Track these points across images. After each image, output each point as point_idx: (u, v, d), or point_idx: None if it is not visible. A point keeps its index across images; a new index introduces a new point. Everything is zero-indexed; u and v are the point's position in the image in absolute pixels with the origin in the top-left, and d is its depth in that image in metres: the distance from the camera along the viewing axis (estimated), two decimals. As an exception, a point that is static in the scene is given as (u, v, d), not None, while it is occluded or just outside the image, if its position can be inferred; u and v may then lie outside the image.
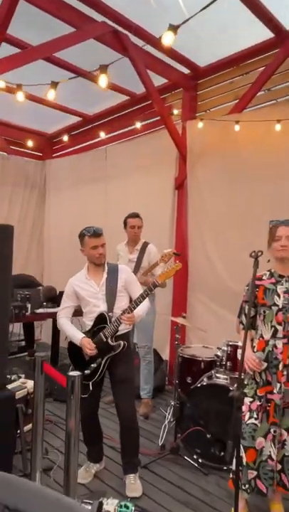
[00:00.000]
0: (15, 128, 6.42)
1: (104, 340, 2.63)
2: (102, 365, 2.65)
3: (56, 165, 6.72)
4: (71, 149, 6.65)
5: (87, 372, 2.67)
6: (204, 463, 2.98)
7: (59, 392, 4.09)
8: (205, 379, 3.17)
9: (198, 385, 3.09)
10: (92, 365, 2.66)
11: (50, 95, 3.79)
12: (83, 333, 2.72)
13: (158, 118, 5.17)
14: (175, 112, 4.66)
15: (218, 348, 3.23)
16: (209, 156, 4.47)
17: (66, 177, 6.43)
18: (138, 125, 4.96)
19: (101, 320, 2.67)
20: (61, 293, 2.95)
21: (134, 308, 2.58)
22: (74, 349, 2.74)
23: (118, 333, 2.67)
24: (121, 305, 2.71)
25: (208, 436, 2.95)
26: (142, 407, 3.94)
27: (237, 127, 4.04)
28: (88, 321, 2.76)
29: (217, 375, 3.15)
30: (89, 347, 2.62)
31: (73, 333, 2.73)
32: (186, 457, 3.01)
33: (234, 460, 2.16)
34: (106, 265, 2.77)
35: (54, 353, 5.17)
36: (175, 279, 4.80)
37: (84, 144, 6.42)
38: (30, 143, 6.19)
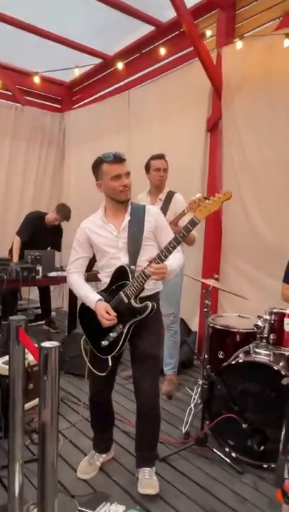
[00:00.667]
0: (30, 75, 5.78)
1: (126, 301, 2.02)
2: (124, 335, 2.04)
3: (75, 117, 6.07)
4: (92, 98, 5.95)
5: (104, 343, 2.07)
6: (238, 458, 2.38)
7: (71, 364, 3.60)
8: (241, 355, 2.52)
9: (233, 362, 2.45)
10: (111, 334, 2.06)
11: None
12: (98, 293, 2.13)
13: (186, 51, 4.42)
14: (208, 33, 3.82)
15: (258, 316, 2.55)
16: (250, 88, 3.66)
17: (86, 130, 5.78)
18: (162, 52, 4.16)
19: (121, 275, 2.06)
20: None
21: (165, 257, 1.94)
22: (87, 313, 2.14)
23: (144, 294, 2.04)
24: (147, 257, 2.04)
25: (244, 425, 2.33)
26: (165, 384, 3.37)
27: (287, 42, 3.19)
28: (105, 278, 2.16)
29: (257, 350, 2.50)
30: (106, 316, 2.01)
31: (85, 293, 2.12)
32: (215, 450, 2.41)
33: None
34: (129, 205, 2.13)
35: (70, 322, 4.68)
36: (207, 237, 4.12)
37: (106, 91, 5.69)
38: (47, 91, 5.57)
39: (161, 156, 3.29)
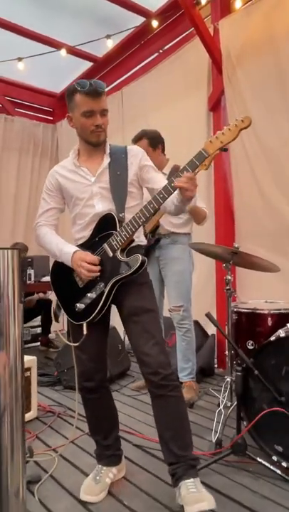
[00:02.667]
0: (21, 87, 5.60)
1: (111, 254, 1.61)
2: (106, 295, 1.59)
3: (68, 126, 5.76)
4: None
5: (80, 306, 1.61)
6: (292, 468, 1.77)
7: (71, 377, 3.01)
8: (281, 332, 1.97)
9: (273, 339, 1.90)
10: (89, 294, 1.61)
11: None
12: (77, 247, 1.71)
13: (179, 38, 4.20)
14: (203, 1, 3.55)
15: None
16: (253, 56, 3.33)
17: (79, 137, 5.49)
18: (154, 24, 3.92)
19: (106, 224, 1.65)
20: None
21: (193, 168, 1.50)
22: (60, 271, 1.70)
23: (131, 245, 1.63)
24: (132, 206, 1.68)
25: (296, 422, 1.74)
26: (184, 391, 2.75)
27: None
28: (79, 232, 1.73)
29: (300, 323, 1.96)
30: (87, 265, 1.59)
31: (58, 246, 1.70)
32: (259, 459, 1.80)
33: None
34: (108, 146, 1.74)
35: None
36: (217, 225, 3.65)
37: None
38: (38, 103, 5.36)
39: (137, 139, 2.93)
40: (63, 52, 4.45)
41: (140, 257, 1.57)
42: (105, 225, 1.65)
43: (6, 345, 0.76)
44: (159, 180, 1.69)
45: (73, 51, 4.72)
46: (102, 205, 1.68)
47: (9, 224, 5.40)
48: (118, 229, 1.61)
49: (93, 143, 1.69)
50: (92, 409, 1.75)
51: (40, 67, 5.05)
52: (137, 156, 1.75)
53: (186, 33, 4.11)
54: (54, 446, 2.09)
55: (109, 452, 1.75)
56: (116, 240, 1.60)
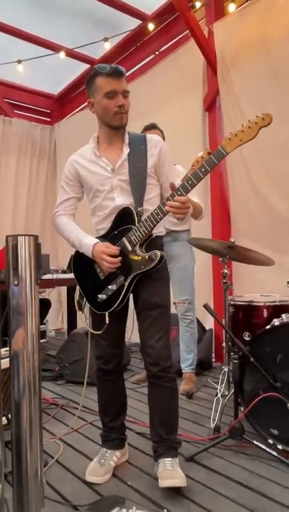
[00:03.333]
0: (19, 89, 5.67)
1: (130, 248, 1.66)
2: (126, 288, 1.66)
3: (65, 127, 5.88)
4: (82, 106, 5.78)
5: (101, 297, 1.69)
6: (286, 450, 1.86)
7: (73, 371, 3.10)
8: (276, 321, 2.07)
9: (268, 327, 1.99)
10: (110, 286, 1.69)
11: None
12: (97, 238, 1.76)
13: (175, 40, 4.30)
14: (198, 4, 3.64)
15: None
16: (247, 57, 3.43)
17: (77, 139, 5.49)
18: (150, 27, 4.02)
19: (124, 218, 1.69)
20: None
21: (191, 187, 1.53)
22: (81, 263, 1.77)
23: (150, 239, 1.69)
24: (151, 197, 1.73)
25: (291, 405, 1.83)
26: (183, 383, 2.87)
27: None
28: (100, 224, 1.78)
29: (294, 313, 2.05)
30: (108, 258, 1.63)
31: (78, 237, 1.73)
32: (255, 442, 1.89)
33: None
34: (126, 136, 1.75)
35: (70, 322, 4.16)
36: (214, 221, 3.75)
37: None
38: (36, 104, 5.43)
39: (152, 126, 2.98)
40: (62, 55, 4.53)
41: (159, 252, 1.61)
42: (124, 219, 1.68)
43: (24, 323, 0.84)
44: (174, 178, 1.72)
45: (71, 53, 4.80)
46: (122, 198, 1.70)
47: (8, 225, 5.46)
48: (137, 224, 1.64)
49: (116, 126, 1.69)
50: (105, 390, 1.83)
51: (39, 69, 5.12)
52: (157, 146, 1.74)
53: (182, 35, 4.21)
54: (59, 434, 2.17)
55: (114, 435, 1.83)
56: (135, 234, 1.64)
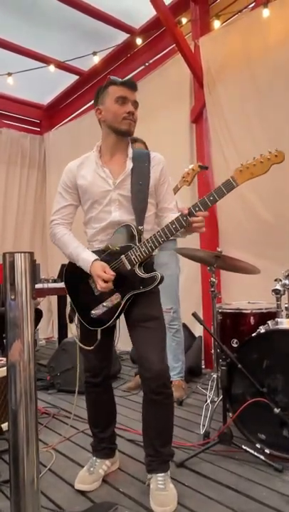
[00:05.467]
0: (8, 99, 5.71)
1: (129, 267, 1.65)
2: (122, 307, 1.66)
3: (54, 137, 5.93)
4: (71, 116, 5.85)
5: (95, 313, 1.69)
6: (273, 454, 1.92)
7: (64, 380, 3.12)
8: (262, 328, 2.14)
9: (254, 335, 2.06)
10: (105, 303, 1.68)
11: None
12: (93, 252, 1.74)
13: (162, 53, 4.41)
14: (184, 20, 3.76)
15: (276, 280, 2.18)
16: (231, 71, 3.54)
17: (66, 149, 5.60)
18: (138, 41, 4.14)
19: (125, 236, 1.68)
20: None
21: (211, 203, 1.55)
22: (75, 277, 1.75)
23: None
24: (148, 216, 1.71)
25: (277, 410, 1.89)
26: (173, 390, 2.91)
27: (266, 12, 3.10)
28: (94, 236, 1.76)
29: (279, 320, 2.12)
30: (105, 276, 1.61)
31: (77, 251, 1.71)
32: (244, 447, 1.94)
33: None
34: (130, 150, 1.75)
35: (61, 329, 4.17)
36: (202, 235, 3.81)
37: (84, 107, 5.60)
38: (26, 114, 5.48)
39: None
40: (52, 68, 4.60)
41: (159, 275, 1.63)
42: (124, 236, 1.67)
43: (21, 336, 0.88)
44: (170, 201, 1.75)
45: (60, 66, 4.88)
46: (120, 214, 1.68)
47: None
48: (138, 243, 1.63)
49: (123, 130, 1.67)
50: (94, 402, 1.84)
51: (28, 80, 5.17)
52: (159, 165, 1.75)
53: (169, 48, 4.32)
54: (51, 443, 2.20)
55: (104, 445, 1.86)
56: (135, 254, 1.62)
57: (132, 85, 1.69)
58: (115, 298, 1.66)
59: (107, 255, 1.70)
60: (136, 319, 1.69)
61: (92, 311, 1.69)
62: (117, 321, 1.73)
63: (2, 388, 2.18)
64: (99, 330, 1.69)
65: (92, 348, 1.69)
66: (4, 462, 1.95)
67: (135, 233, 1.65)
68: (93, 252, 1.73)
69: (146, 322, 1.67)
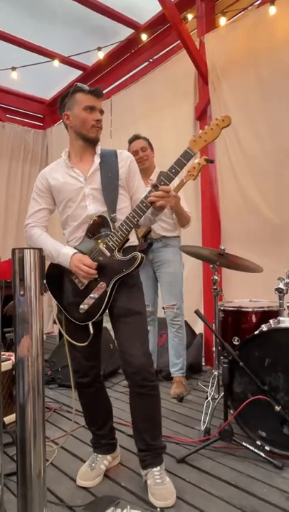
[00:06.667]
0: (11, 94, 5.70)
1: (109, 254, 1.69)
2: (109, 294, 1.68)
3: (57, 132, 5.92)
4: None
5: (83, 307, 1.70)
6: (273, 451, 1.93)
7: (65, 376, 3.13)
8: (264, 326, 2.15)
9: (256, 333, 2.07)
10: (92, 295, 1.70)
11: None
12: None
13: (167, 49, 4.39)
14: (189, 16, 3.74)
15: (279, 279, 2.19)
16: (236, 69, 3.53)
17: (68, 144, 5.61)
18: (143, 37, 4.11)
19: (100, 226, 1.73)
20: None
21: (174, 174, 1.61)
22: (57, 276, 1.78)
23: (126, 245, 1.73)
24: (122, 208, 1.77)
25: (278, 408, 1.91)
26: (173, 386, 2.94)
27: (272, 10, 3.09)
28: (72, 234, 1.80)
29: (281, 319, 2.13)
30: (85, 268, 1.66)
31: (55, 247, 1.75)
32: (244, 444, 1.96)
33: None
34: (98, 148, 1.82)
35: None
36: (204, 228, 3.83)
37: (87, 103, 5.60)
38: (29, 109, 5.48)
39: (135, 137, 3.08)
40: (56, 62, 4.59)
41: (139, 254, 1.66)
42: (99, 226, 1.72)
43: (29, 331, 0.89)
44: (143, 191, 1.77)
45: (65, 61, 4.86)
46: (95, 206, 1.74)
47: (1, 229, 5.48)
48: (113, 230, 1.69)
49: (92, 138, 1.75)
50: (87, 402, 1.86)
51: (31, 74, 5.16)
52: (127, 160, 1.82)
53: (174, 45, 4.30)
54: (53, 438, 2.21)
55: (104, 441, 1.87)
56: (112, 240, 1.68)
57: (99, 94, 1.75)
58: (101, 287, 1.69)
59: (84, 248, 1.73)
60: (118, 314, 1.72)
61: (81, 305, 1.70)
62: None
63: (5, 382, 2.19)
64: (90, 324, 1.70)
65: (86, 343, 1.69)
66: (6, 456, 1.97)
67: (108, 220, 1.70)
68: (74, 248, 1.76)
69: (127, 317, 1.70)
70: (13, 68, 4.57)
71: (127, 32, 4.58)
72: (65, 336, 1.74)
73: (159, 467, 1.68)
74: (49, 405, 2.71)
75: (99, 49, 4.30)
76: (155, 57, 4.60)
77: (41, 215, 1.83)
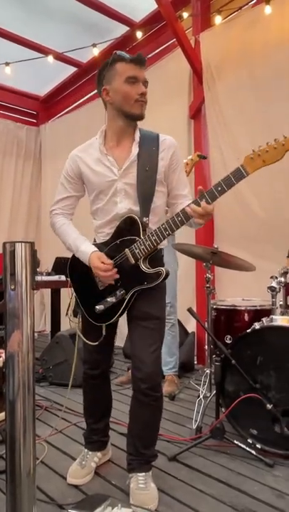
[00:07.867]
0: (4, 89, 5.65)
1: (133, 262, 1.57)
2: (126, 302, 1.60)
3: (51, 129, 5.89)
4: (68, 109, 5.81)
5: (99, 309, 1.61)
6: (265, 449, 1.94)
7: (56, 374, 3.11)
8: (257, 324, 2.15)
9: (249, 331, 2.07)
10: (109, 299, 1.62)
11: None
12: (95, 245, 1.68)
13: (162, 47, 4.39)
14: (185, 15, 3.73)
15: (271, 277, 2.19)
16: (231, 68, 3.53)
17: (62, 141, 5.56)
18: (138, 35, 4.12)
19: (128, 229, 1.59)
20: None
21: (220, 193, 1.47)
22: (79, 271, 1.69)
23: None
24: (156, 206, 1.61)
25: (269, 406, 1.91)
26: (165, 385, 2.92)
27: (268, 9, 3.09)
28: (100, 227, 1.69)
29: (274, 317, 2.13)
30: (103, 267, 1.56)
31: (76, 242, 1.65)
32: (236, 442, 1.96)
33: None
34: (138, 133, 1.63)
35: (54, 323, 4.14)
36: (198, 228, 3.82)
37: (82, 100, 5.57)
38: (22, 105, 5.44)
39: None
40: (50, 58, 4.55)
41: (164, 270, 1.55)
42: (128, 229, 1.59)
43: (20, 326, 0.87)
44: (183, 187, 1.68)
45: (59, 57, 4.82)
46: (126, 204, 1.60)
47: (-8, 225, 5.45)
48: (142, 237, 1.55)
49: (136, 115, 1.57)
50: (91, 393, 1.82)
51: (25, 70, 5.11)
52: (170, 149, 1.63)
53: (169, 43, 4.29)
54: (43, 435, 2.20)
55: (96, 437, 1.85)
56: (139, 248, 1.55)
57: (142, 62, 1.55)
58: (119, 293, 1.61)
59: (110, 249, 1.63)
60: (136, 316, 1.63)
61: (96, 306, 1.62)
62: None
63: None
64: (104, 326, 1.65)
65: (96, 343, 1.65)
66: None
67: (139, 225, 1.56)
68: (98, 244, 1.69)
69: (145, 321, 1.61)
70: (7, 63, 4.52)
71: (122, 29, 4.56)
72: (78, 332, 1.71)
73: (144, 473, 1.62)
74: (40, 403, 2.69)
75: (94, 45, 4.28)
76: (150, 55, 4.58)
77: (68, 203, 1.71)
